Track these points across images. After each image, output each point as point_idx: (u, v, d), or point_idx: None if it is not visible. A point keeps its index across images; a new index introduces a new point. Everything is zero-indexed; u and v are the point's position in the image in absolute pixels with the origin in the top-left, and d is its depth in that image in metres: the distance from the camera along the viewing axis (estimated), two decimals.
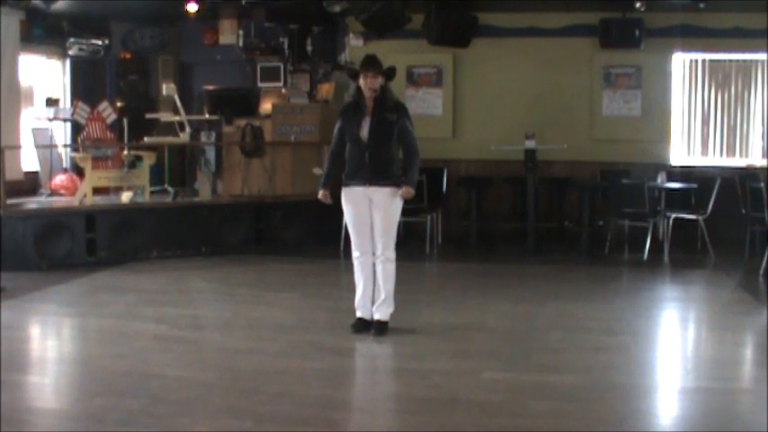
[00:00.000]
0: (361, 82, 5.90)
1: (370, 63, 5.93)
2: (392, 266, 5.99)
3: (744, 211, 9.02)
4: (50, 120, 11.13)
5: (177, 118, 10.51)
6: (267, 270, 8.93)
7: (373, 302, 6.06)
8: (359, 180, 5.92)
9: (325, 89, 11.03)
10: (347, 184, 5.99)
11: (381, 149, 5.88)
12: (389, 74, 6.02)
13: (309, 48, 11.36)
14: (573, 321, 6.57)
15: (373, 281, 6.04)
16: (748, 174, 9.50)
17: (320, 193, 6.13)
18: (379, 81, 5.89)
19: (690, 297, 7.93)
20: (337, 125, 6.06)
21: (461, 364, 5.44)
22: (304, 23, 11.27)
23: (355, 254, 6.04)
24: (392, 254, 5.97)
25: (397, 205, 5.97)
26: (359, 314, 6.12)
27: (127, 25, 12.17)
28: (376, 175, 5.85)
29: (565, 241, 10.57)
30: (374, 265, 6.02)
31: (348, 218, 6.03)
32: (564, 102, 10.92)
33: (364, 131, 5.88)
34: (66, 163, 11.25)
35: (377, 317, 6.03)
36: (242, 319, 6.74)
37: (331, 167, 6.13)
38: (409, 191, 5.87)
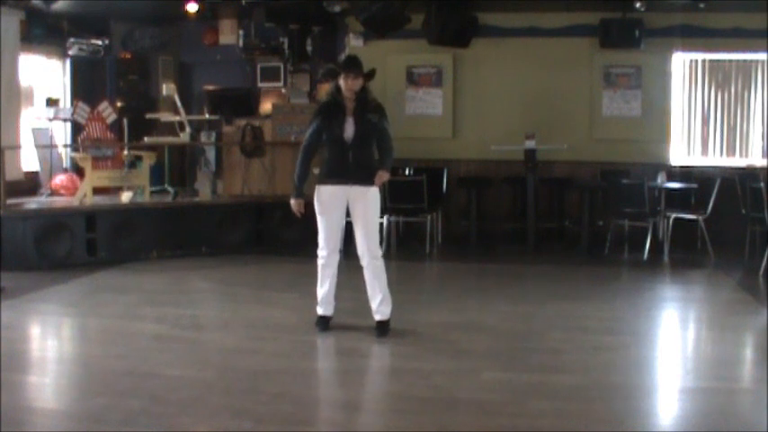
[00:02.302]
0: (342, 82, 5.90)
1: (352, 64, 5.93)
2: (381, 263, 6.00)
3: (744, 211, 9.02)
4: (50, 120, 11.13)
5: (177, 118, 10.51)
6: (267, 270, 8.93)
7: (333, 300, 6.16)
8: (339, 179, 5.93)
9: (325, 89, 10.99)
10: (325, 183, 5.99)
11: (364, 150, 5.92)
12: (370, 75, 6.04)
13: (309, 48, 11.36)
14: (573, 321, 6.57)
15: (337, 278, 6.10)
16: (748, 174, 9.50)
17: (294, 203, 6.11)
18: (360, 82, 5.90)
19: (690, 297, 7.93)
20: (314, 124, 5.99)
21: (461, 364, 5.44)
22: (304, 23, 11.27)
23: (323, 252, 6.05)
24: (378, 251, 5.99)
25: (378, 204, 6.02)
26: (321, 312, 6.17)
27: (127, 25, 12.16)
28: (359, 174, 5.87)
29: (565, 241, 10.58)
30: (346, 267, 6.08)
31: (323, 216, 6.01)
32: (564, 102, 10.92)
33: (348, 132, 5.88)
34: (66, 163, 11.25)
35: (378, 318, 6.03)
36: (242, 319, 6.75)
37: (304, 171, 6.08)
38: (383, 175, 5.88)
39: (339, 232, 6.08)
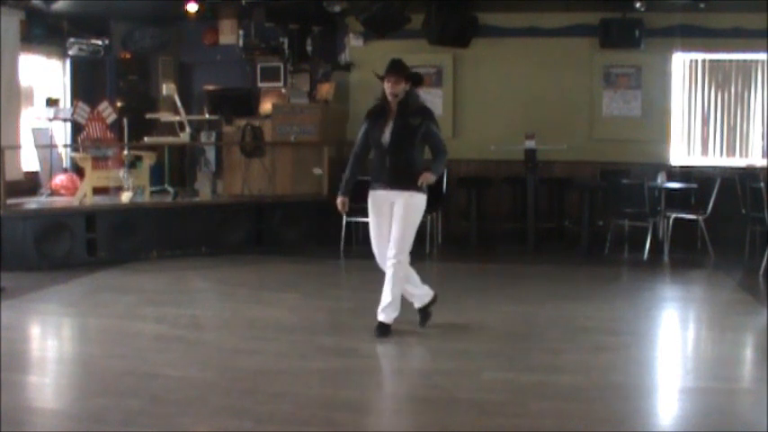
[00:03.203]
0: (385, 86, 5.91)
1: (392, 68, 5.91)
2: (401, 270, 5.93)
3: (744, 211, 9.02)
4: (50, 120, 11.12)
5: (177, 118, 10.51)
6: (267, 270, 8.93)
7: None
8: (381, 184, 5.94)
9: (325, 89, 11.04)
10: (372, 188, 6.01)
11: (402, 154, 5.87)
12: (415, 79, 6.01)
13: (309, 48, 11.36)
14: (573, 321, 6.57)
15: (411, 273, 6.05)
16: (748, 174, 9.50)
17: (338, 200, 6.10)
18: (402, 86, 5.87)
19: (690, 297, 7.93)
20: (363, 128, 6.06)
21: (461, 364, 5.43)
22: (304, 23, 11.27)
23: (377, 258, 6.01)
24: (405, 258, 5.94)
25: (417, 211, 5.94)
26: (380, 318, 6.04)
27: (127, 25, 12.16)
28: (397, 179, 5.84)
29: (565, 241, 10.58)
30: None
31: (371, 223, 6.04)
32: (564, 102, 10.93)
33: (386, 136, 5.89)
34: (66, 163, 11.24)
35: (381, 318, 6.01)
36: (242, 319, 6.74)
37: (351, 172, 6.10)
38: (428, 176, 5.78)
39: (386, 243, 5.94)
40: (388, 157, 5.88)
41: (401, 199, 5.88)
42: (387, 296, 5.97)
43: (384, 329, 5.99)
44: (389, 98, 5.90)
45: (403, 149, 5.87)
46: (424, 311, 6.26)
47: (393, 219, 5.92)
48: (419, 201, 5.93)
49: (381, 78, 5.96)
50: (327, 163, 10.27)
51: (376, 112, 6.00)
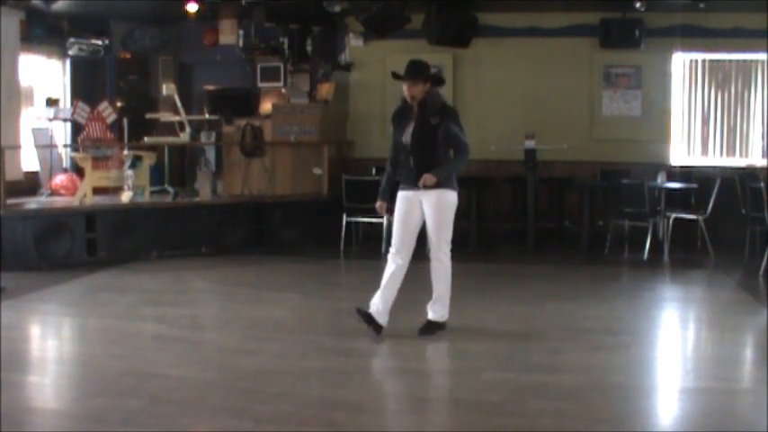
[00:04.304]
0: (403, 87, 5.92)
1: (407, 72, 5.90)
2: (443, 268, 5.94)
3: (744, 211, 9.02)
4: (50, 120, 11.12)
5: (177, 118, 10.51)
6: (267, 270, 8.93)
7: (380, 302, 6.01)
8: (408, 184, 5.93)
9: (325, 89, 11.04)
10: (401, 188, 6.02)
11: (424, 154, 5.86)
12: (435, 79, 6.03)
13: (309, 48, 11.36)
14: (573, 321, 6.57)
15: (397, 284, 5.97)
16: (748, 174, 9.50)
17: (377, 203, 6.17)
18: (420, 88, 5.87)
19: (690, 297, 7.93)
20: (393, 132, 6.08)
21: (461, 364, 5.44)
22: (304, 23, 11.28)
23: (391, 250, 6.00)
24: (443, 255, 5.93)
25: (447, 208, 5.91)
26: (370, 309, 5.98)
27: (127, 25, 12.15)
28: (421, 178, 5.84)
29: (565, 241, 10.58)
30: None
31: (395, 216, 6.02)
32: (564, 102, 10.92)
33: (407, 136, 5.90)
34: (66, 163, 11.24)
35: (428, 316, 6.03)
36: (242, 319, 6.75)
37: (387, 177, 6.14)
38: (426, 178, 5.73)
39: (409, 237, 5.93)
40: (411, 157, 5.89)
41: (430, 198, 5.87)
42: (433, 294, 6.00)
43: (426, 327, 5.99)
44: (408, 100, 5.92)
45: (425, 150, 5.87)
46: (368, 314, 6.02)
47: (427, 218, 5.93)
48: (448, 197, 5.91)
49: (398, 79, 5.95)
50: (327, 163, 10.28)
51: (399, 114, 6.03)
